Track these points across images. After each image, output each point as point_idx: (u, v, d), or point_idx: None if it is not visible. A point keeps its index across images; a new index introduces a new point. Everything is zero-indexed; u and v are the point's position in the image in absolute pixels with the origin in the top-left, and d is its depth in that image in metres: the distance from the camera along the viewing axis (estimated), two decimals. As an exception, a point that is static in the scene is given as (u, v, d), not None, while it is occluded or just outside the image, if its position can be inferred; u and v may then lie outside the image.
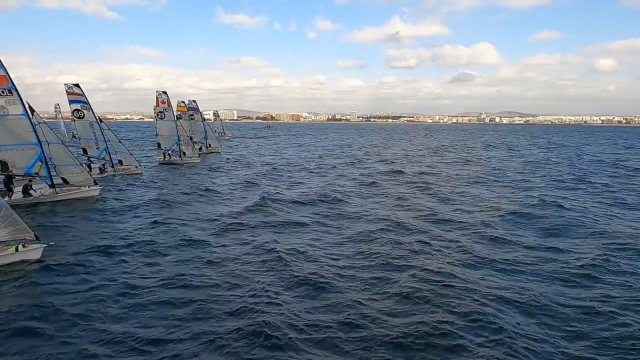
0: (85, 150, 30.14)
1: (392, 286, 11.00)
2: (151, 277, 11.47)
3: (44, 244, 12.78)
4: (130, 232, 15.79)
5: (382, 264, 12.65)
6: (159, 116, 37.67)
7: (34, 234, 12.70)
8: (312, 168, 37.29)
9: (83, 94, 29.39)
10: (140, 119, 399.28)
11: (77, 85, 29.37)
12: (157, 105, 37.44)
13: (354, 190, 25.59)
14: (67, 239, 14.88)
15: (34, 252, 12.49)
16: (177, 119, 40.30)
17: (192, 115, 50.50)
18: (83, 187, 21.53)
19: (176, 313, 9.47)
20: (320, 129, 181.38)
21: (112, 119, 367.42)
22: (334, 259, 13.06)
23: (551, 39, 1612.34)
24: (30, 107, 20.07)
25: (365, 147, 65.98)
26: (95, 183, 22.24)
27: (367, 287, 11.04)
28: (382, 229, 16.41)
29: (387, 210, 19.88)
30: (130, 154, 32.46)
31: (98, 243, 14.24)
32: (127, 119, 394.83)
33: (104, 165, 30.25)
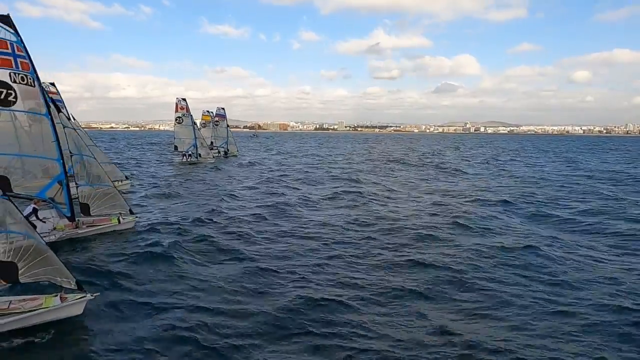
0: None
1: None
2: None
3: (136, 217, 15.44)
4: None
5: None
6: (178, 121, 38.19)
7: (129, 209, 15.27)
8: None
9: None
10: (125, 128, 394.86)
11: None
12: (177, 110, 37.71)
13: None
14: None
15: (129, 223, 15.06)
16: (202, 127, 41.50)
17: (217, 122, 51.49)
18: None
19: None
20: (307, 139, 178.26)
21: (98, 128, 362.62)
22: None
23: (529, 51, 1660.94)
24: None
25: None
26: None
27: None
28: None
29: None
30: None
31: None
32: (112, 128, 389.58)
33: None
